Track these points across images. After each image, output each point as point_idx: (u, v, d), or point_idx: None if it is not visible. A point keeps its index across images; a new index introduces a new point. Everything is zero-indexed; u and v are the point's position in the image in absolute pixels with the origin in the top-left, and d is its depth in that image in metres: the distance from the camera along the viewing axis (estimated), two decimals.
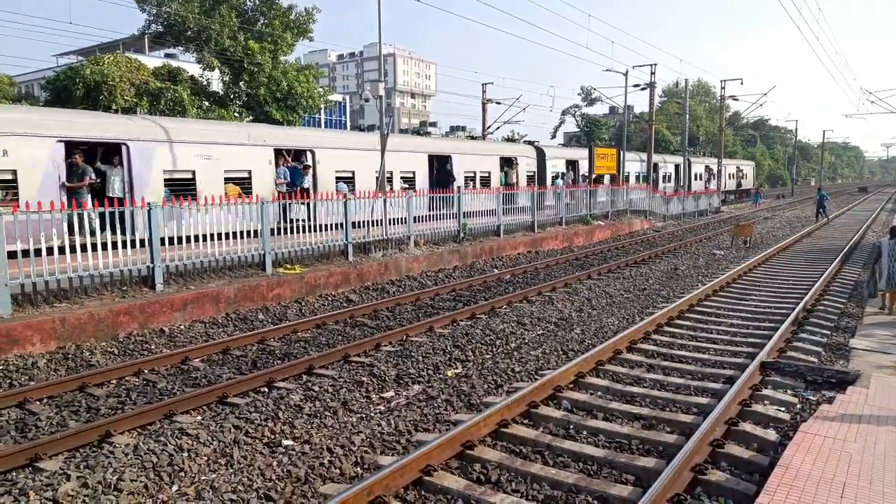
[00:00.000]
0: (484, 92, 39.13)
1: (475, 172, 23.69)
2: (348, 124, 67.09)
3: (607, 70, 33.49)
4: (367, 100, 25.79)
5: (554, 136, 69.22)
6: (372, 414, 6.66)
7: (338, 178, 18.32)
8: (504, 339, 9.58)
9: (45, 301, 9.71)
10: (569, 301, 12.28)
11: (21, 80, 44.82)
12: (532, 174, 27.29)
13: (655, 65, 34.18)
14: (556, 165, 29.01)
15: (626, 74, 32.93)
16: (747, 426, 5.97)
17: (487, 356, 8.76)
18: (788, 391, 7.07)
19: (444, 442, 5.39)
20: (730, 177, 51.93)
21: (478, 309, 11.28)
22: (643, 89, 35.45)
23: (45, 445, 5.63)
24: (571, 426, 6.14)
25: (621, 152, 31.39)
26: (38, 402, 7.01)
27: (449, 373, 8.02)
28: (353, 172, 18.71)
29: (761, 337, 9.27)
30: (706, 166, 47.47)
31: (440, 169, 22.75)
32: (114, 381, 7.75)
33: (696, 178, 45.35)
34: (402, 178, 20.55)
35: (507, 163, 25.89)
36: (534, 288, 13.26)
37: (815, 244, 22.00)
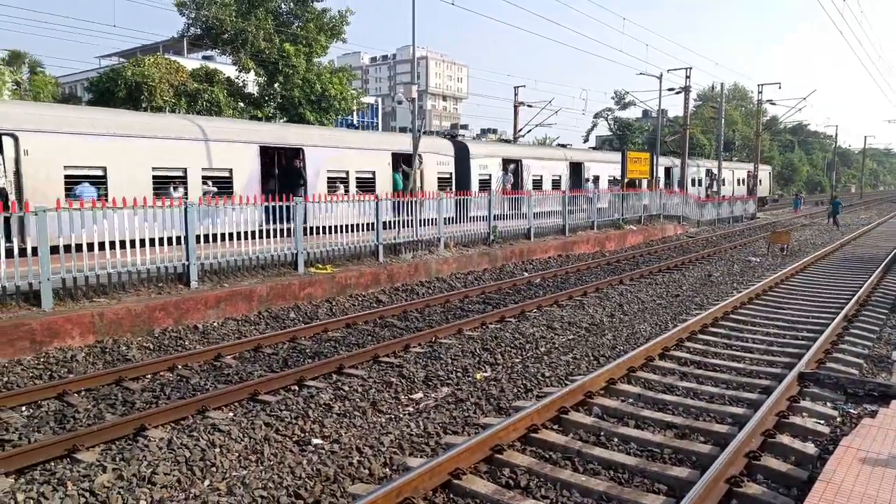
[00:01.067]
0: (516, 95, 39.02)
1: (347, 173, 17.85)
2: (380, 126, 67.42)
3: (641, 73, 33.15)
4: (399, 102, 25.55)
5: (586, 140, 68.67)
6: (401, 415, 6.67)
7: (75, 178, 12.64)
8: (534, 343, 9.51)
9: (85, 296, 9.94)
10: (600, 306, 12.14)
11: (65, 80, 46.01)
12: (448, 176, 21.62)
13: (690, 68, 33.75)
14: (485, 165, 23.35)
15: (660, 78, 32.58)
16: (785, 438, 5.82)
17: (517, 360, 8.70)
18: (828, 403, 6.88)
19: (473, 445, 5.36)
20: (739, 182, 45.89)
21: (507, 312, 11.23)
22: (678, 93, 35.01)
23: (82, 437, 5.76)
24: (602, 433, 6.06)
25: (655, 156, 31.04)
26: (76, 395, 7.16)
27: (478, 376, 7.99)
28: (105, 169, 13.16)
29: (799, 347, 9.04)
30: (707, 170, 41.87)
31: (287, 167, 17.50)
32: (149, 376, 7.89)
33: (694, 184, 39.64)
34: (207, 178, 14.81)
35: (407, 161, 19.54)
36: (564, 292, 13.15)
37: (855, 252, 21.43)
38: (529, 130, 39.41)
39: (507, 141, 34.18)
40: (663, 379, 7.70)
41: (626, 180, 28.39)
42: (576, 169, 28.60)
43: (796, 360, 8.11)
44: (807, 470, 5.22)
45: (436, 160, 21.14)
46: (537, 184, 25.52)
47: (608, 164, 31.07)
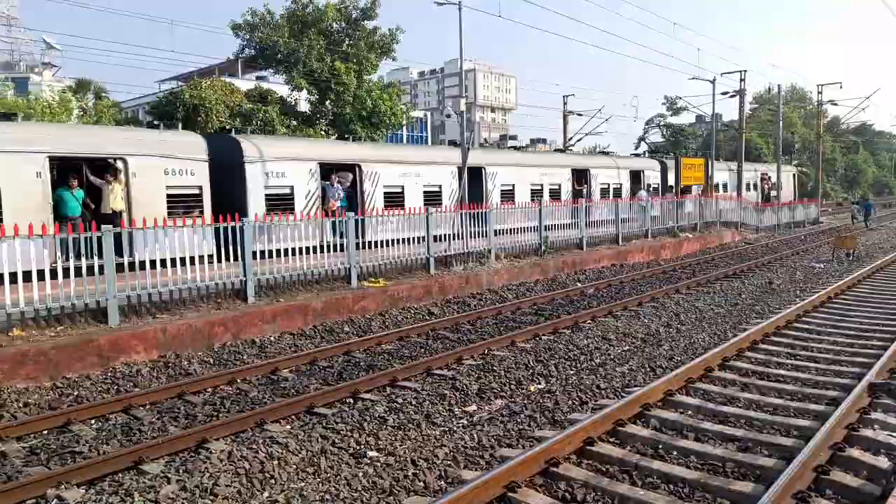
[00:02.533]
0: (565, 104, 38.76)
1: None
2: (429, 140, 67.95)
3: (693, 78, 32.48)
4: (448, 116, 25.39)
5: (637, 147, 67.69)
6: (455, 427, 6.66)
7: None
8: (588, 354, 9.38)
9: (148, 312, 10.31)
10: (656, 316, 11.89)
11: (128, 105, 48.04)
12: (196, 192, 13.87)
13: (745, 71, 32.87)
14: (282, 174, 15.36)
15: (713, 82, 31.85)
16: (855, 452, 5.56)
17: (571, 372, 8.59)
18: None
19: (528, 458, 5.31)
20: (748, 187, 37.47)
21: (560, 323, 11.11)
22: (732, 97, 34.16)
23: (148, 449, 5.95)
24: (661, 446, 5.92)
25: (709, 162, 30.30)
26: (141, 408, 7.42)
27: (532, 388, 7.93)
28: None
29: (869, 356, 8.63)
30: None
31: None
32: (209, 390, 8.11)
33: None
34: None
35: (98, 171, 13.15)
36: (619, 302, 12.94)
37: None
38: (580, 139, 39.11)
39: (343, 138, 25.41)
40: (724, 390, 7.48)
41: (680, 187, 27.81)
42: (474, 175, 20.12)
43: (866, 370, 7.75)
44: (880, 485, 4.98)
45: (163, 168, 13.39)
46: (395, 198, 17.88)
47: (544, 169, 23.19)
